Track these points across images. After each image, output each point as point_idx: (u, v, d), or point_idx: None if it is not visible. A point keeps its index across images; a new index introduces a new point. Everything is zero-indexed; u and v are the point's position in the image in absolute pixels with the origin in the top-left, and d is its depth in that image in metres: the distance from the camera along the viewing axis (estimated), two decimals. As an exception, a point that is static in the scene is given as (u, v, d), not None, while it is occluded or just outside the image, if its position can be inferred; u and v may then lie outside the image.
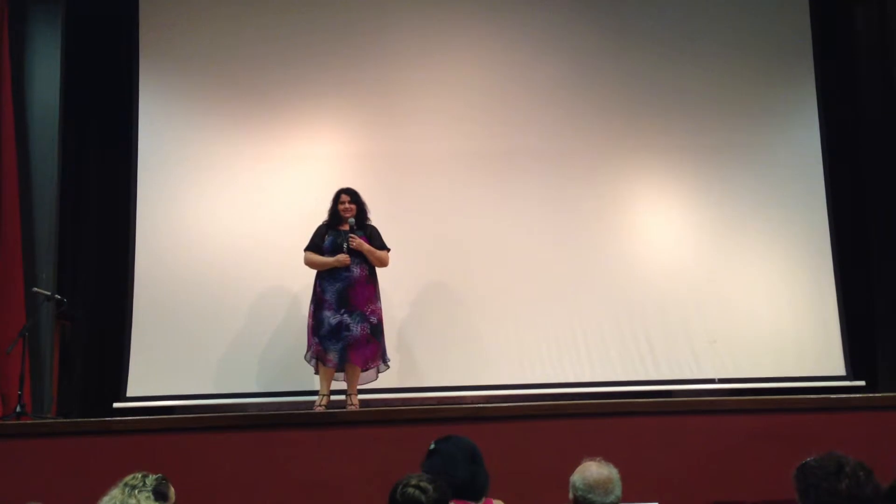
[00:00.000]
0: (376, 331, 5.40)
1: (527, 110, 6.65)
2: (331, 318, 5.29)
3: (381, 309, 5.47)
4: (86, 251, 6.68)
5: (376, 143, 6.57)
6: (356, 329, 5.28)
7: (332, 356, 5.29)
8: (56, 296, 5.67)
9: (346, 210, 5.50)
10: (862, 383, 6.22)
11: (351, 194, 5.55)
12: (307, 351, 5.43)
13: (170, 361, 6.12)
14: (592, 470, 2.79)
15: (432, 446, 3.10)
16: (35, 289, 5.63)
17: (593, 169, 6.64)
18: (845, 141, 6.85)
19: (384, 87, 6.64)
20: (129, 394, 6.05)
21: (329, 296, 5.34)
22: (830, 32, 6.98)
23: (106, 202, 6.73)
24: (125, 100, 6.55)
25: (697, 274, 6.49)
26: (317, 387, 5.47)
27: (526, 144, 6.60)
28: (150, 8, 6.61)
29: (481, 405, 5.52)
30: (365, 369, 5.44)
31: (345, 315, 5.29)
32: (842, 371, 6.31)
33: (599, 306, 6.38)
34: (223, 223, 6.36)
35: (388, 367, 5.54)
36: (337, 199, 5.55)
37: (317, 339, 5.33)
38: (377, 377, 5.56)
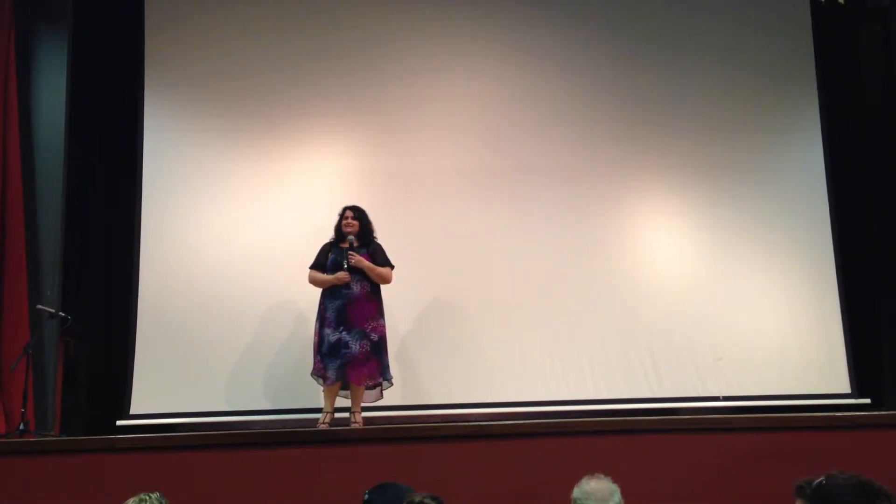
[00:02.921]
0: (377, 348, 5.38)
1: (530, 127, 6.68)
2: (330, 335, 5.30)
3: (383, 326, 5.46)
4: (90, 269, 6.70)
5: (381, 159, 6.59)
6: (355, 347, 5.27)
7: (331, 374, 5.28)
8: (60, 313, 5.68)
9: (348, 225, 5.51)
10: (867, 401, 6.21)
11: (355, 211, 5.57)
12: (313, 368, 5.44)
13: (173, 379, 6.12)
14: (592, 483, 2.84)
15: (366, 497, 3.04)
16: (39, 306, 5.63)
17: (597, 186, 6.65)
18: (849, 158, 6.86)
19: (388, 104, 6.68)
20: (133, 411, 6.06)
21: (329, 313, 5.35)
22: (833, 50, 7.02)
23: (111, 219, 6.75)
24: (130, 118, 6.58)
25: (702, 291, 6.49)
26: (321, 404, 5.46)
27: (530, 162, 6.62)
28: (155, 29, 6.66)
29: (485, 423, 5.49)
30: (368, 387, 5.43)
31: (343, 333, 5.29)
32: (847, 389, 6.29)
33: (604, 324, 6.37)
34: (227, 240, 6.37)
35: (391, 384, 5.53)
36: (341, 216, 5.58)
37: (318, 357, 5.34)
38: (382, 396, 5.55)
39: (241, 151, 6.54)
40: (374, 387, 5.48)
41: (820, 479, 2.43)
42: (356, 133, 6.66)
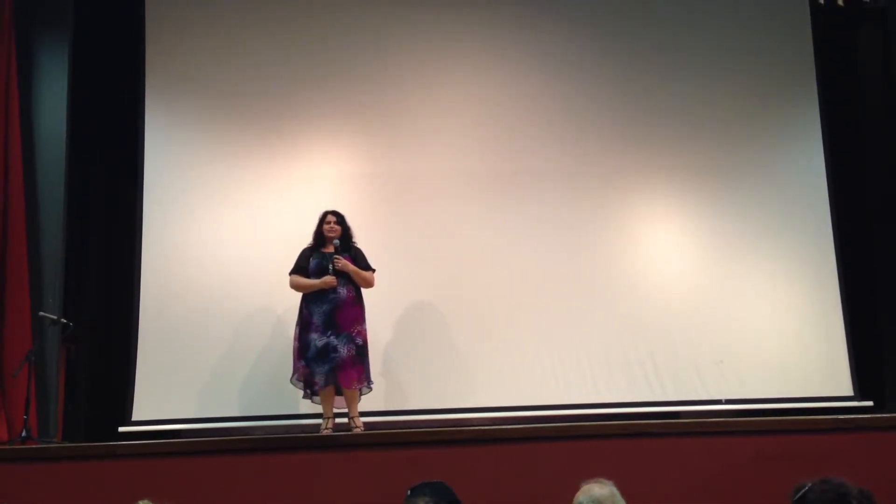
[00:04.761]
0: (361, 352, 5.42)
1: (528, 130, 6.68)
2: (317, 340, 5.30)
3: (366, 330, 5.48)
4: (92, 275, 6.69)
5: (381, 163, 6.59)
6: (343, 350, 5.29)
7: (319, 379, 5.29)
8: (62, 320, 5.68)
9: (331, 230, 5.53)
10: (869, 403, 6.19)
11: (337, 216, 5.60)
12: (293, 374, 5.44)
13: (175, 385, 6.11)
14: (595, 490, 2.81)
15: (409, 493, 3.06)
16: (42, 313, 5.64)
17: (597, 189, 6.64)
18: (849, 159, 6.86)
19: (386, 108, 6.67)
20: (135, 418, 6.04)
21: (316, 318, 5.35)
22: (833, 52, 7.01)
23: (112, 224, 6.75)
24: (131, 126, 6.58)
25: (703, 294, 6.48)
26: (320, 410, 5.46)
27: (527, 165, 6.62)
28: (156, 36, 6.66)
29: (488, 427, 5.50)
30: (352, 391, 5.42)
31: (331, 337, 5.30)
32: (849, 391, 6.28)
33: (604, 327, 6.36)
34: (230, 244, 6.37)
35: (371, 389, 5.54)
36: (322, 220, 5.60)
37: (303, 363, 5.34)
38: (360, 399, 5.53)
39: (243, 155, 6.53)
40: (353, 390, 5.45)
41: (804, 488, 2.42)
42: (356, 137, 6.65)
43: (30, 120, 6.10)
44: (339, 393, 5.42)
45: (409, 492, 2.95)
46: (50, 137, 6.12)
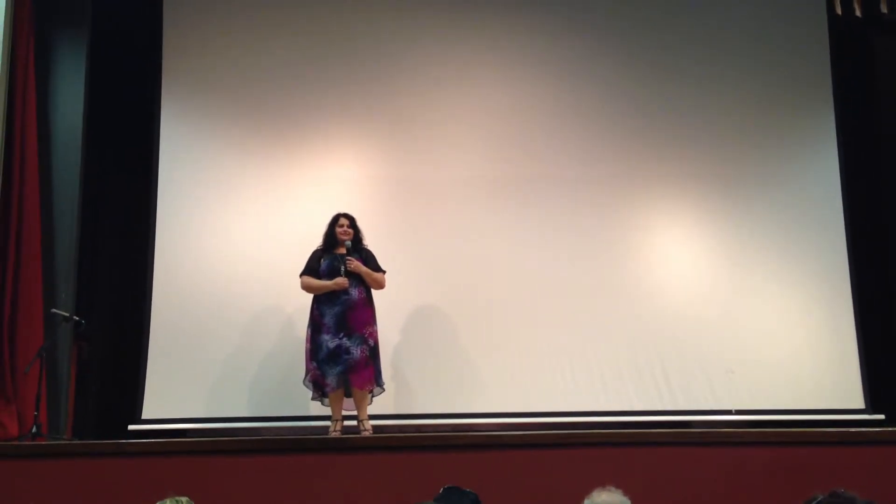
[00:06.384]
0: (374, 353, 5.43)
1: (542, 136, 6.68)
2: (329, 341, 5.32)
3: (377, 332, 5.50)
4: (105, 273, 6.73)
5: (394, 167, 6.61)
6: (356, 352, 5.30)
7: (331, 380, 5.30)
8: (74, 317, 5.71)
9: (344, 233, 5.55)
10: (881, 417, 6.14)
11: (349, 219, 5.62)
12: (305, 375, 5.45)
13: (186, 384, 6.14)
14: (603, 496, 2.81)
15: (441, 491, 3.09)
16: (54, 310, 5.66)
17: (609, 197, 6.64)
18: (864, 171, 6.83)
19: (400, 113, 6.69)
20: (145, 416, 6.07)
21: (328, 319, 5.37)
22: (849, 63, 6.99)
23: (125, 224, 6.79)
24: (147, 123, 6.62)
25: (714, 304, 6.46)
26: (329, 412, 5.47)
27: (540, 171, 6.62)
28: (173, 34, 6.71)
29: (496, 433, 5.49)
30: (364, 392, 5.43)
31: (343, 339, 5.31)
32: (860, 404, 6.24)
33: (615, 335, 6.35)
34: (243, 246, 6.40)
35: (383, 390, 5.56)
36: (335, 223, 5.62)
37: (314, 364, 5.35)
38: (371, 401, 5.54)
39: (256, 156, 6.57)
40: (365, 391, 5.46)
41: (815, 500, 2.39)
42: (370, 140, 6.68)
43: (46, 118, 6.13)
44: (348, 395, 5.42)
45: (441, 490, 2.97)
46: (66, 135, 6.15)
